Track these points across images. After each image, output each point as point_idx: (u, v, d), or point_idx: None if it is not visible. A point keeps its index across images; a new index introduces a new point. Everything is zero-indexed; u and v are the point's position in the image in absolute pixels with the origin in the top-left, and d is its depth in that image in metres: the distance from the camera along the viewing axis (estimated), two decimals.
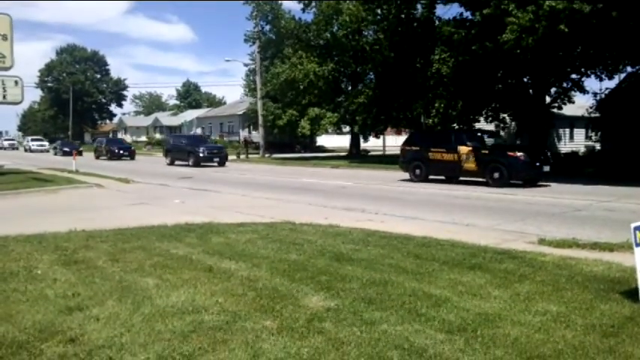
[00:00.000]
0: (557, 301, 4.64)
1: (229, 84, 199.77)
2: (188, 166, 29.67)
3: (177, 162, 31.49)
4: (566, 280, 5.30)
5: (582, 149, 34.56)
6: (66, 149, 47.08)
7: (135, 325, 4.03)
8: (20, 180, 17.81)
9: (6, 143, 70.15)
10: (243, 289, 4.95)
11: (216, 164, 29.85)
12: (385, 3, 29.22)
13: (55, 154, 49.77)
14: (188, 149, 30.80)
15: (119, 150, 40.00)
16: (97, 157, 39.67)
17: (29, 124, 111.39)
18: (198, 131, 67.33)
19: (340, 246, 6.96)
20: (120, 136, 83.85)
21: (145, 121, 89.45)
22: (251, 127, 53.72)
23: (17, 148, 67.61)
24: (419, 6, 29.89)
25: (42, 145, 62.97)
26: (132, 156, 39.54)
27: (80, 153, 42.60)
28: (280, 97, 40.39)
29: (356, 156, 38.72)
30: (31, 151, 60.46)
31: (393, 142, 57.97)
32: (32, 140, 66.77)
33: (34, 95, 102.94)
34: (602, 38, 19.18)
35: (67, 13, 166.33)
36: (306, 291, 4.92)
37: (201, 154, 29.85)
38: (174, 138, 37.74)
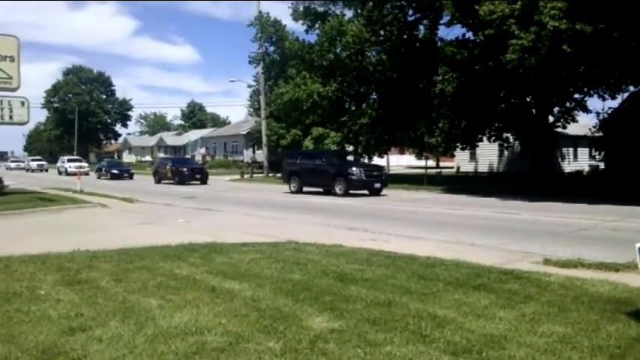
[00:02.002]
0: (563, 322, 4.60)
1: (233, 104, 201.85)
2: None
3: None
4: (572, 300, 5.26)
5: (586, 168, 34.51)
6: (115, 171, 40.75)
7: (138, 347, 4.01)
8: (25, 200, 17.86)
9: (34, 164, 62.26)
10: (246, 310, 4.93)
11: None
12: (388, 24, 29.57)
13: (99, 177, 41.58)
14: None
15: (190, 171, 33.51)
16: (159, 181, 34.05)
17: (35, 144, 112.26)
18: (202, 151, 67.70)
19: (344, 266, 6.93)
20: (125, 156, 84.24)
21: (150, 141, 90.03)
22: (255, 146, 53.89)
23: (47, 170, 60.56)
24: (421, 27, 30.26)
25: (41, 165, 61.19)
26: (204, 179, 33.25)
27: (131, 176, 40.58)
28: (284, 117, 40.60)
29: None
30: (35, 170, 58.84)
31: (396, 161, 58.25)
32: (32, 160, 65.35)
33: (40, 115, 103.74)
34: (605, 58, 19.31)
35: (74, 34, 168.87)
36: (309, 311, 4.89)
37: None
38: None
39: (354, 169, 22.14)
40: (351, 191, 21.48)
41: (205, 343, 4.06)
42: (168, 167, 34.09)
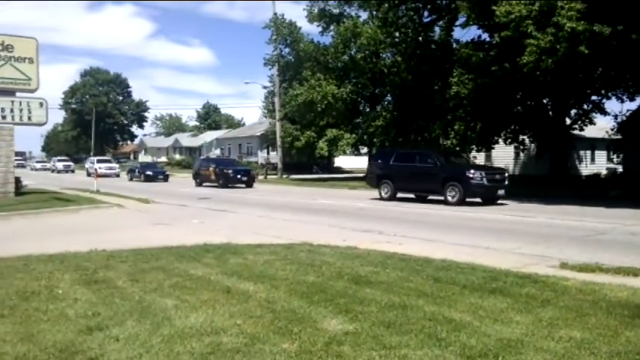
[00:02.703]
0: (581, 327, 4.54)
1: (248, 106, 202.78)
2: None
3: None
4: (590, 305, 5.19)
5: (604, 171, 34.09)
6: (149, 173, 39.06)
7: (154, 346, 4.04)
8: (42, 200, 18.10)
9: (60, 165, 59.90)
10: (261, 311, 4.94)
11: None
12: (403, 26, 29.46)
13: (131, 179, 40.25)
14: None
15: (236, 173, 30.91)
16: (200, 184, 31.82)
17: (52, 145, 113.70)
18: (217, 152, 68.04)
19: (359, 268, 6.92)
20: (141, 157, 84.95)
21: (166, 142, 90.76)
22: (269, 148, 54.06)
23: (73, 171, 58.77)
24: (437, 29, 30.09)
25: (68, 166, 59.07)
26: (250, 182, 30.88)
27: (166, 178, 38.56)
28: (298, 119, 40.66)
29: None
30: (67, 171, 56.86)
31: None
32: (58, 161, 62.50)
33: (57, 116, 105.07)
34: (623, 60, 19.07)
35: (92, 37, 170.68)
36: (324, 314, 4.89)
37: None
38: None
39: (473, 171, 18.48)
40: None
41: (221, 344, 4.08)
42: (211, 169, 31.41)
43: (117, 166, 51.62)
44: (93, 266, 6.97)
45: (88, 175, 46.36)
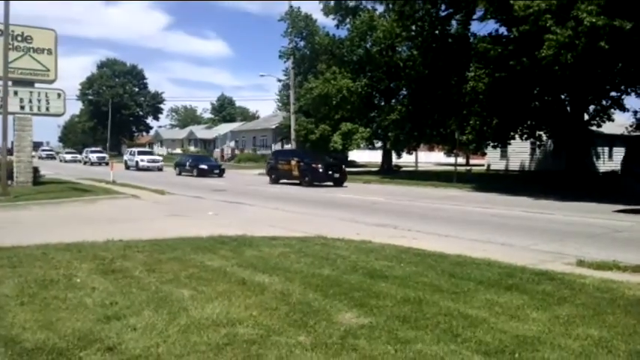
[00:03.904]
0: (598, 325, 4.50)
1: (263, 99, 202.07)
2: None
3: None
4: (608, 303, 5.14)
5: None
6: (204, 167, 34.43)
7: (171, 336, 4.07)
8: (59, 190, 18.33)
9: (93, 156, 53.43)
10: (276, 303, 4.96)
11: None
12: (419, 20, 29.20)
13: (180, 173, 35.72)
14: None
15: (326, 169, 25.55)
16: (276, 181, 27.22)
17: (69, 136, 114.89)
18: (232, 144, 68.25)
19: (373, 262, 6.91)
20: (156, 148, 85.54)
21: (180, 134, 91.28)
22: (283, 141, 54.10)
23: (107, 163, 47.60)
24: (454, 22, 29.80)
25: (102, 158, 52.55)
26: (342, 179, 25.68)
27: (222, 173, 34.04)
28: (313, 112, 40.60)
29: (388, 172, 38.54)
30: (92, 163, 51.13)
31: (425, 158, 57.75)
32: (91, 152, 55.83)
33: (74, 107, 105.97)
34: None
35: (109, 29, 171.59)
36: (339, 307, 4.90)
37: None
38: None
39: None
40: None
41: (237, 335, 4.11)
42: (293, 163, 26.26)
43: (160, 158, 45.51)
44: (110, 256, 7.04)
45: (127, 167, 42.04)
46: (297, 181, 25.94)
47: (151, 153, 47.96)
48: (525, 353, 3.84)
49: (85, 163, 54.10)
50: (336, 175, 25.48)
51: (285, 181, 26.97)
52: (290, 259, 7.05)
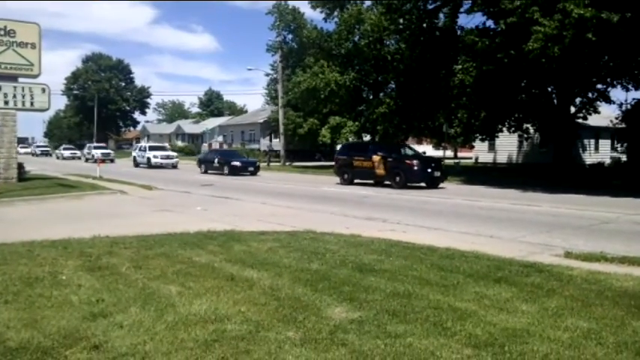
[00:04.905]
0: (587, 316, 4.51)
1: (251, 93, 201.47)
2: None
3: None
4: (596, 295, 5.16)
5: (608, 160, 33.98)
6: (237, 164, 30.13)
7: (158, 333, 4.02)
8: (45, 186, 18.10)
9: (97, 153, 44.32)
10: (265, 299, 4.92)
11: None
12: (407, 13, 29.17)
13: (206, 171, 31.54)
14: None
15: (426, 167, 20.57)
16: (350, 181, 22.47)
17: (55, 131, 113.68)
18: (220, 139, 67.90)
19: (362, 256, 6.89)
20: (143, 143, 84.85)
21: (168, 128, 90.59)
22: (272, 135, 53.98)
23: (113, 160, 46.35)
24: (441, 15, 29.80)
25: (107, 154, 45.97)
26: (439, 181, 21.04)
27: (256, 171, 29.93)
28: (301, 106, 40.53)
29: None
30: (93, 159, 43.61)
31: None
32: (95, 148, 49.35)
33: (60, 102, 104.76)
34: (630, 48, 18.89)
35: (95, 23, 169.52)
36: (328, 302, 4.87)
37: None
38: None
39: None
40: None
41: (225, 331, 4.06)
42: (376, 158, 21.22)
43: (175, 154, 40.62)
44: (96, 252, 6.95)
45: (136, 165, 38.66)
46: (381, 181, 21.32)
47: (164, 148, 42.03)
48: (515, 345, 3.84)
49: (88, 160, 47.42)
50: (437, 174, 20.54)
51: (359, 180, 22.49)
52: (279, 254, 7.01)
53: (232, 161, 30.36)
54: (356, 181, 22.51)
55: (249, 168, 30.00)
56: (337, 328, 4.17)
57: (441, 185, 21.20)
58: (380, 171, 21.18)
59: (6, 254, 6.77)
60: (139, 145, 42.11)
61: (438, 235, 9.14)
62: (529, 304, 4.87)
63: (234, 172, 29.35)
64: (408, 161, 20.96)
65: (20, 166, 20.36)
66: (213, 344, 3.82)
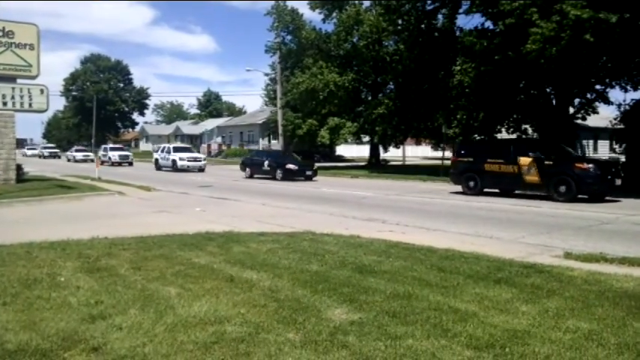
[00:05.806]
0: (588, 318, 4.50)
1: (250, 93, 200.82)
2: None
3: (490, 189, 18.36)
4: (596, 296, 5.15)
5: None
6: (292, 167, 25.80)
7: (157, 335, 4.00)
8: (44, 187, 18.06)
9: (115, 155, 41.98)
10: (265, 300, 4.90)
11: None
12: (406, 14, 29.16)
13: (251, 175, 27.70)
14: None
15: (605, 174, 15.54)
16: (480, 192, 17.56)
17: (54, 132, 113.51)
18: (219, 140, 67.86)
19: (362, 257, 6.87)
20: (142, 144, 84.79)
21: (167, 129, 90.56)
22: (271, 136, 53.99)
23: (131, 163, 42.86)
24: (440, 16, 29.80)
25: (125, 157, 42.62)
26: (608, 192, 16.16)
27: (313, 175, 25.66)
28: (300, 107, 40.51)
29: (375, 166, 38.60)
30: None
31: (412, 152, 57.92)
32: (112, 150, 43.98)
33: (58, 103, 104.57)
34: (628, 48, 18.90)
35: (93, 23, 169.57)
36: (328, 303, 4.85)
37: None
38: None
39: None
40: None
41: (225, 333, 4.04)
42: (525, 161, 16.28)
43: (202, 156, 36.99)
44: (95, 254, 6.93)
45: (158, 168, 34.97)
46: (533, 192, 16.68)
47: (189, 149, 38.21)
48: (516, 347, 3.82)
49: (104, 162, 39.30)
50: (617, 183, 16.11)
51: (490, 189, 17.89)
52: (278, 255, 6.99)
53: (287, 164, 26.05)
54: (486, 190, 17.82)
55: (306, 172, 25.80)
56: (337, 329, 4.15)
57: (440, 187, 21.15)
58: (531, 177, 16.20)
59: (4, 256, 6.75)
60: (162, 146, 38.04)
61: (437, 236, 9.14)
62: (529, 305, 4.86)
63: (288, 176, 25.31)
64: (579, 165, 15.86)
65: (19, 168, 20.33)
66: (213, 346, 3.80)
